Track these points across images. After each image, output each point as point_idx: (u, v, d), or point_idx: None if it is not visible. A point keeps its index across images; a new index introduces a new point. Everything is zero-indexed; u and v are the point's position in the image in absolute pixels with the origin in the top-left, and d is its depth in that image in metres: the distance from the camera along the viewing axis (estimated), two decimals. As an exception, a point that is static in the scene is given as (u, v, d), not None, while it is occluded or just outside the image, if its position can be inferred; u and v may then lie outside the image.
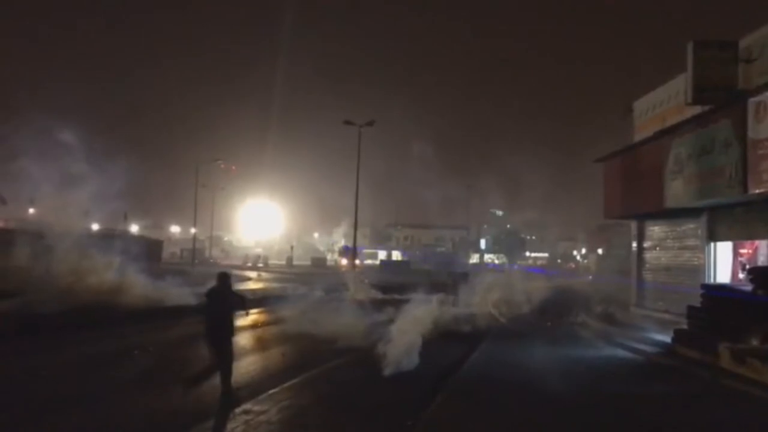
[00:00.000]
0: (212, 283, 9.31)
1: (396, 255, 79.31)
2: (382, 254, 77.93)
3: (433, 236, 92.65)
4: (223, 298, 9.14)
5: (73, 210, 22.39)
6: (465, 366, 11.85)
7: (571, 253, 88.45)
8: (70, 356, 11.94)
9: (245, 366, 11.22)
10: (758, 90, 12.12)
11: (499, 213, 78.45)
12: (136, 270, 21.70)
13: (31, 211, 36.12)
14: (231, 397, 8.56)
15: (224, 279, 9.28)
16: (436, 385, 9.85)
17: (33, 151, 19.95)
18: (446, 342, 14.47)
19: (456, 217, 75.56)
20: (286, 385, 9.71)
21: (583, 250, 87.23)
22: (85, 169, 20.90)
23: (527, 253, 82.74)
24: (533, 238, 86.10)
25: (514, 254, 70.48)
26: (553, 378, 10.59)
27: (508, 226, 78.12)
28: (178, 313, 17.66)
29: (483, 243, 74.27)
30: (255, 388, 9.46)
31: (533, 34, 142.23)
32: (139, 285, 20.95)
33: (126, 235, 35.97)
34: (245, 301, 10.59)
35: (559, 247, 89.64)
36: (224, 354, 8.82)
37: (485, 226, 78.88)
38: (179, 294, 20.91)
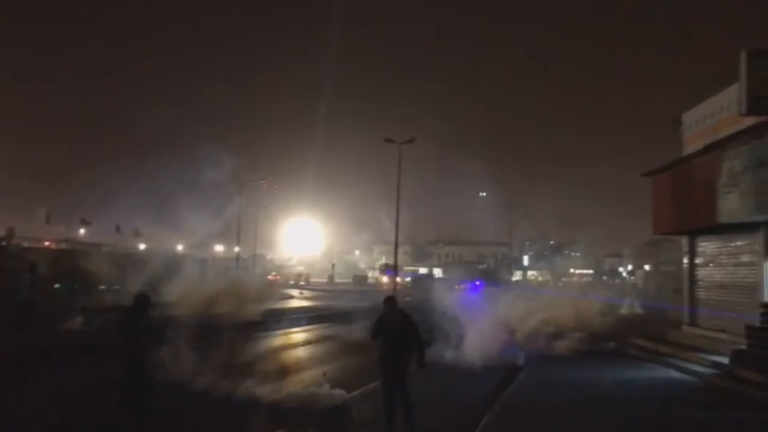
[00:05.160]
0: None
1: (437, 272, 78.73)
2: (423, 271, 77.53)
3: (475, 253, 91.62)
4: (398, 326, 7.97)
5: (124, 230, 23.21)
6: (512, 387, 11.53)
7: (617, 270, 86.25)
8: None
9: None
10: (818, 99, 11.57)
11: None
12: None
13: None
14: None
15: (391, 302, 8.36)
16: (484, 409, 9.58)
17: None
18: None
19: (498, 234, 74.68)
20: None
21: (629, 266, 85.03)
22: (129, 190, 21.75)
23: (571, 270, 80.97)
24: (577, 254, 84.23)
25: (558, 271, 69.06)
26: (608, 402, 10.18)
27: (551, 242, 76.80)
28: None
29: (526, 259, 73.21)
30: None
31: (575, 50, 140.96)
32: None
33: (171, 254, 36.57)
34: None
35: (605, 263, 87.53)
36: (402, 390, 7.79)
37: (528, 243, 77.78)
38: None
